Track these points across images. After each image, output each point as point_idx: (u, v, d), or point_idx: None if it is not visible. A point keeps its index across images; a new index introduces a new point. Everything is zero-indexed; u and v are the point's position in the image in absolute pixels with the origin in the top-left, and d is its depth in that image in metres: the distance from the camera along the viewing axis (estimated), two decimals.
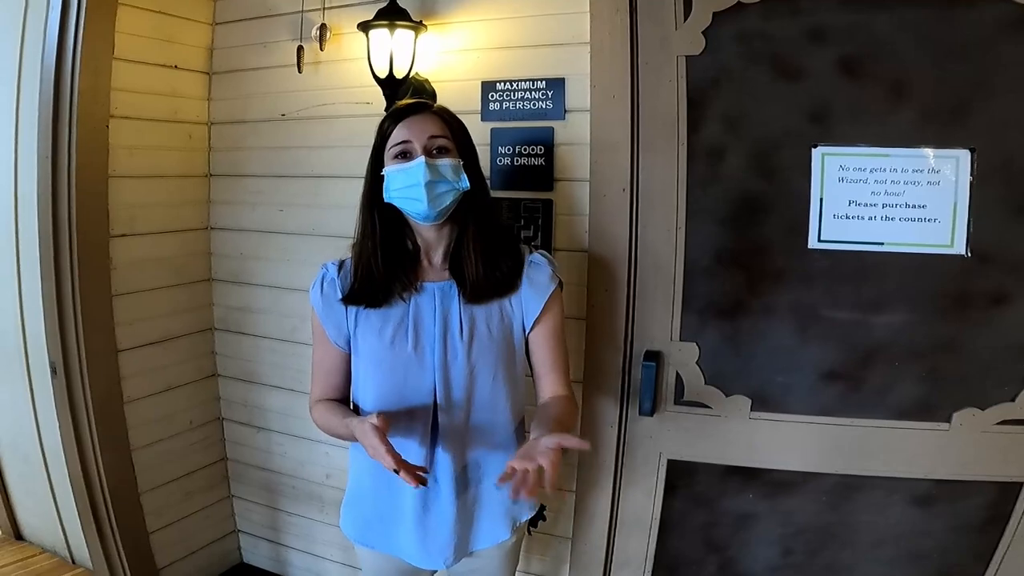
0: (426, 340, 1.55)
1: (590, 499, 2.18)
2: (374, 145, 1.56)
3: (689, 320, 2.01)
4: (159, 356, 2.55)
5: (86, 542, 2.46)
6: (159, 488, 2.59)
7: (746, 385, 1.99)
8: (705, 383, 2.02)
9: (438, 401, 1.56)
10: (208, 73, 2.59)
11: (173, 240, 2.56)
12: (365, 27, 2.02)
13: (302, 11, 2.30)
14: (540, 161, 2.07)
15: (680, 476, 2.11)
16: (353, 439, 1.53)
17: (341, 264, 1.62)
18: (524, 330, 1.62)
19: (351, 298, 1.57)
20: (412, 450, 1.55)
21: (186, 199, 2.60)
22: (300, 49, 2.29)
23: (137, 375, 2.47)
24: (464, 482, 1.61)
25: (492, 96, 2.11)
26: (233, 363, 2.75)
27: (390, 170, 1.51)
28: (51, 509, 2.54)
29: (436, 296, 1.56)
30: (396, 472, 1.36)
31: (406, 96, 2.11)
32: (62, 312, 2.27)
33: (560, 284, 1.64)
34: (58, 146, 2.18)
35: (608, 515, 2.17)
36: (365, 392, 1.61)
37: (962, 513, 1.92)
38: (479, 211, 1.56)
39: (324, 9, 2.27)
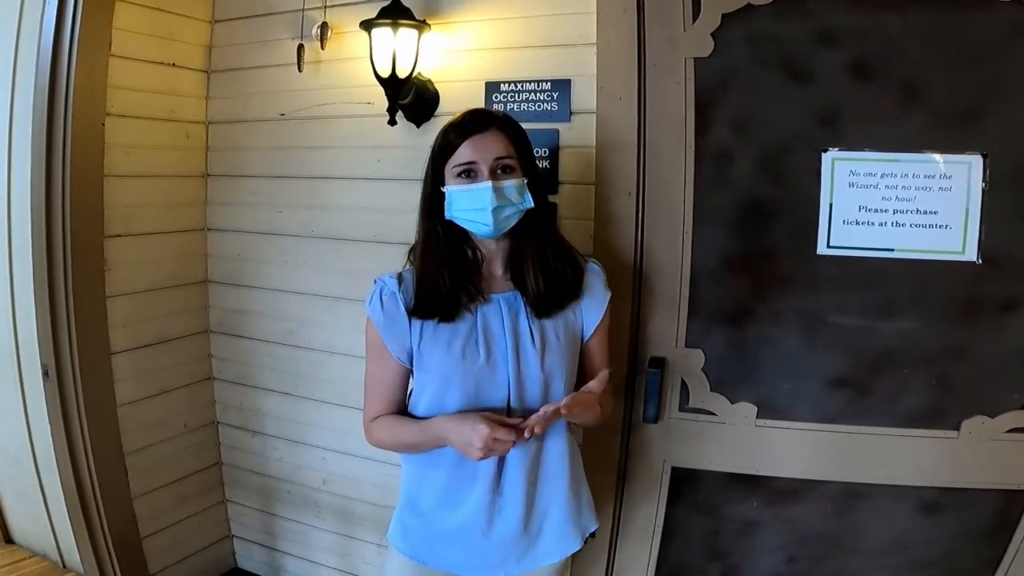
0: (498, 351, 1.52)
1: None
2: (434, 154, 1.54)
3: (695, 326, 1.98)
4: (154, 359, 2.52)
5: (77, 546, 2.42)
6: (152, 492, 2.56)
7: (752, 392, 1.97)
8: (710, 390, 2.00)
9: (511, 412, 1.53)
10: (207, 71, 2.55)
11: (169, 241, 2.53)
12: (368, 25, 1.99)
13: (303, 9, 2.27)
14: (545, 164, 2.04)
15: (684, 483, 2.09)
16: (436, 444, 1.52)
17: (399, 277, 1.58)
18: (583, 338, 1.64)
19: (419, 312, 1.52)
20: (482, 463, 1.52)
21: (183, 199, 2.56)
22: (300, 48, 2.25)
23: (131, 378, 2.44)
24: (533, 493, 1.58)
25: (496, 97, 2.08)
26: (229, 366, 2.71)
27: (454, 190, 1.49)
28: (42, 513, 2.49)
29: (503, 306, 1.55)
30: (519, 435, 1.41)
31: (408, 96, 2.09)
32: (55, 314, 2.23)
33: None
34: (53, 144, 2.14)
35: (610, 522, 2.15)
36: (432, 405, 1.56)
37: (969, 521, 1.90)
38: (539, 224, 1.55)
39: (325, 7, 2.24)
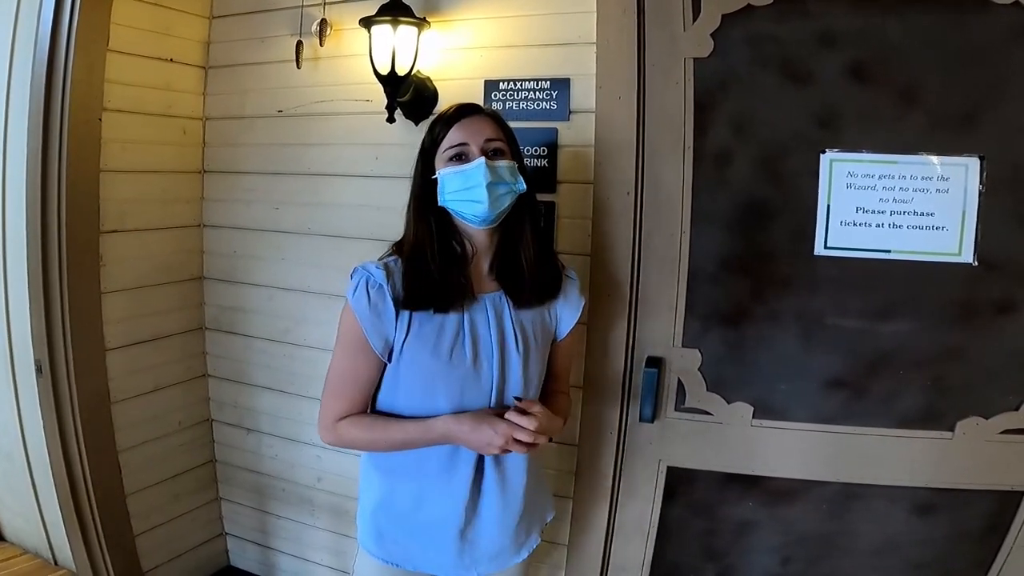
0: (484, 354, 1.52)
1: (588, 505, 2.16)
2: (423, 148, 1.54)
3: (692, 326, 1.99)
4: (148, 355, 2.50)
5: (69, 544, 2.40)
6: (146, 490, 2.55)
7: (748, 392, 1.98)
8: (707, 390, 2.00)
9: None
10: (204, 67, 2.55)
11: (165, 237, 2.52)
12: (367, 23, 1.99)
13: (302, 6, 2.27)
14: (543, 163, 2.04)
15: (679, 483, 2.09)
16: (433, 443, 1.51)
17: (386, 267, 1.50)
18: (555, 341, 1.67)
19: (410, 303, 1.47)
20: (461, 461, 1.53)
21: (179, 195, 2.55)
22: (299, 44, 2.25)
23: (125, 375, 2.43)
24: (508, 490, 1.59)
25: (495, 96, 2.08)
26: (224, 363, 2.70)
27: (446, 173, 1.48)
28: (34, 510, 2.48)
29: (489, 308, 1.54)
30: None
31: (407, 94, 2.09)
32: (49, 309, 2.22)
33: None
34: (49, 139, 2.13)
35: (606, 521, 2.15)
36: (416, 405, 1.53)
37: (963, 522, 1.91)
38: (531, 214, 1.57)
39: (324, 4, 2.23)
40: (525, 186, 1.51)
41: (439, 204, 1.50)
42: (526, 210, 1.55)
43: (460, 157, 1.48)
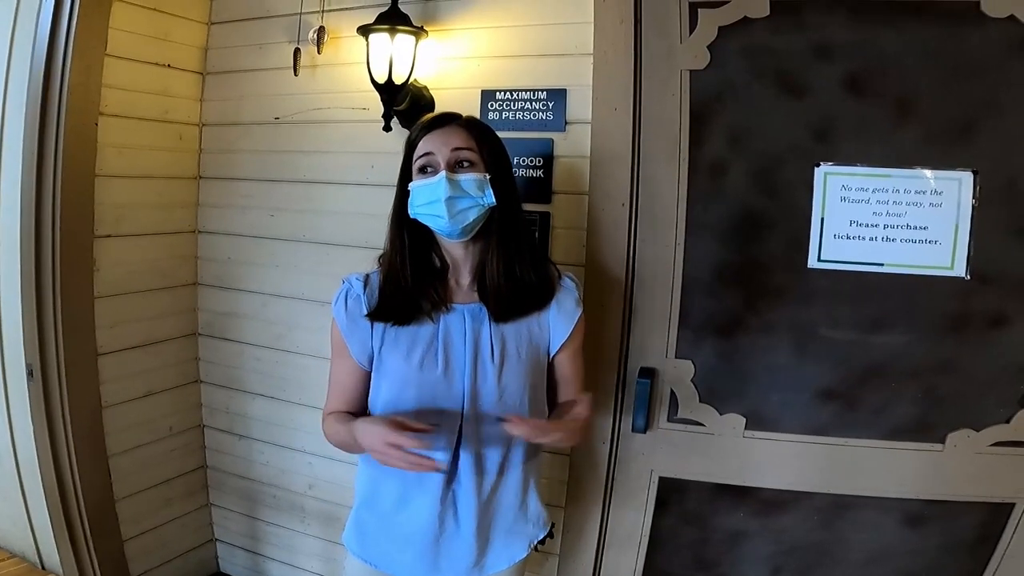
0: (456, 363, 1.51)
1: (579, 515, 2.16)
2: (403, 157, 1.54)
3: (685, 337, 1.99)
4: (141, 360, 2.50)
5: (57, 548, 2.39)
6: (136, 495, 2.54)
7: (741, 403, 1.98)
8: (699, 401, 2.01)
9: (464, 422, 1.52)
10: (202, 73, 2.55)
11: (159, 242, 2.51)
12: (365, 31, 2.00)
13: (300, 13, 2.27)
14: (539, 173, 2.05)
15: (671, 493, 2.09)
16: (360, 447, 1.50)
17: (366, 279, 1.57)
18: (549, 353, 1.62)
19: (377, 314, 1.52)
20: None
21: (174, 201, 2.55)
22: (297, 51, 2.26)
23: (117, 379, 2.42)
24: (484, 502, 1.58)
25: (492, 105, 2.09)
26: (216, 369, 2.70)
27: (414, 185, 1.48)
28: (22, 514, 2.46)
29: (466, 318, 1.53)
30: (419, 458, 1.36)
31: (404, 103, 2.10)
32: (41, 313, 2.21)
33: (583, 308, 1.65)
34: (44, 142, 2.13)
35: (597, 531, 2.15)
36: (388, 410, 1.55)
37: (953, 533, 1.92)
38: (505, 225, 1.52)
39: (323, 12, 2.24)
40: (494, 200, 1.47)
41: (410, 216, 1.50)
42: (494, 224, 1.51)
43: (428, 169, 1.47)
